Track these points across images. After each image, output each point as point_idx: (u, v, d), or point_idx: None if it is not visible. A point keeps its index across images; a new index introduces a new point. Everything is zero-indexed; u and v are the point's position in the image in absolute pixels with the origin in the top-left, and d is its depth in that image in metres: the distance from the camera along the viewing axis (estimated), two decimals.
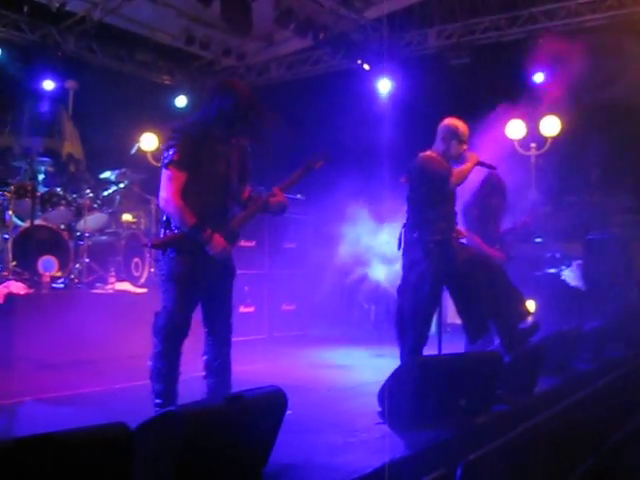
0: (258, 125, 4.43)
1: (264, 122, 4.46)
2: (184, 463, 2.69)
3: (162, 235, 4.38)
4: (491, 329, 6.86)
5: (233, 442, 2.94)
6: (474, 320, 6.10)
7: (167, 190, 4.23)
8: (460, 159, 5.96)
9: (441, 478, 3.06)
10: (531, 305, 8.45)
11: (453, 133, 5.95)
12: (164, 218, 4.41)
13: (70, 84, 11.79)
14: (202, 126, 4.35)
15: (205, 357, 4.46)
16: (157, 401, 4.26)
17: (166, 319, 4.24)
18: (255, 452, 3.12)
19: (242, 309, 9.17)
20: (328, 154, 4.76)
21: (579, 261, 9.27)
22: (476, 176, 6.60)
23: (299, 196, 10.50)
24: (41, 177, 8.41)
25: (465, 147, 5.96)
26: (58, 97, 11.52)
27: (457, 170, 5.85)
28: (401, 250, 5.96)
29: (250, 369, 6.84)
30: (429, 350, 5.90)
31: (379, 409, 4.59)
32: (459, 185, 5.89)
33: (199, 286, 4.30)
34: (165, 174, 4.26)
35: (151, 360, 4.29)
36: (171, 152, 4.24)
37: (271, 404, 3.17)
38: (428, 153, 5.92)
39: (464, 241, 6.32)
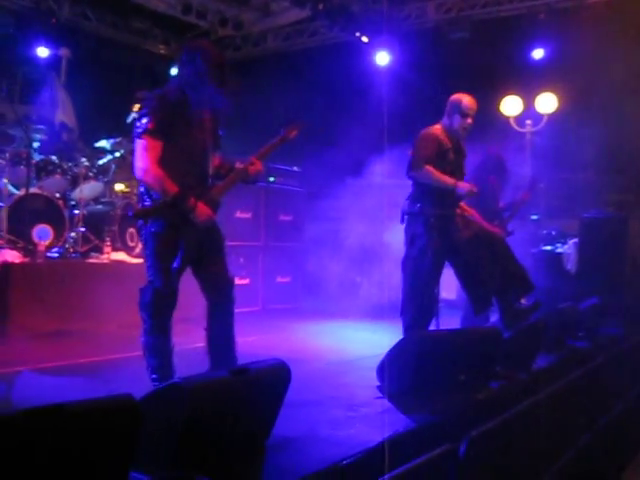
0: (226, 86, 4.29)
1: (229, 84, 4.32)
2: (189, 434, 2.67)
3: (142, 205, 4.26)
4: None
5: (237, 414, 2.92)
6: (479, 294, 6.09)
7: (144, 160, 4.10)
8: (466, 134, 5.93)
9: (446, 453, 3.06)
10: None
11: (456, 107, 5.92)
12: (142, 189, 4.27)
13: (63, 52, 11.63)
14: (175, 92, 4.24)
15: (206, 328, 4.41)
16: (153, 376, 4.21)
17: (152, 294, 4.17)
18: (258, 424, 3.11)
19: (237, 281, 9.08)
20: (302, 123, 4.69)
21: (575, 239, 9.26)
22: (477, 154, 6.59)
23: (295, 168, 10.46)
24: (36, 145, 8.33)
25: (469, 121, 5.91)
26: (51, 65, 11.38)
27: (432, 170, 5.72)
28: (403, 223, 5.95)
29: (245, 341, 6.78)
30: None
31: (378, 383, 4.59)
32: (424, 180, 5.78)
33: (185, 257, 4.20)
34: (140, 144, 4.13)
35: (142, 336, 4.24)
36: (145, 121, 4.12)
37: (275, 377, 3.15)
38: (430, 128, 5.90)
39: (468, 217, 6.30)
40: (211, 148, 4.37)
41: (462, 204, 6.14)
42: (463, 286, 6.16)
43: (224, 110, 4.43)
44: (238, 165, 4.53)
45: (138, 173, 4.17)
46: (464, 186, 5.78)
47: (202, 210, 4.14)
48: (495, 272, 6.09)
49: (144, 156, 4.11)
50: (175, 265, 4.16)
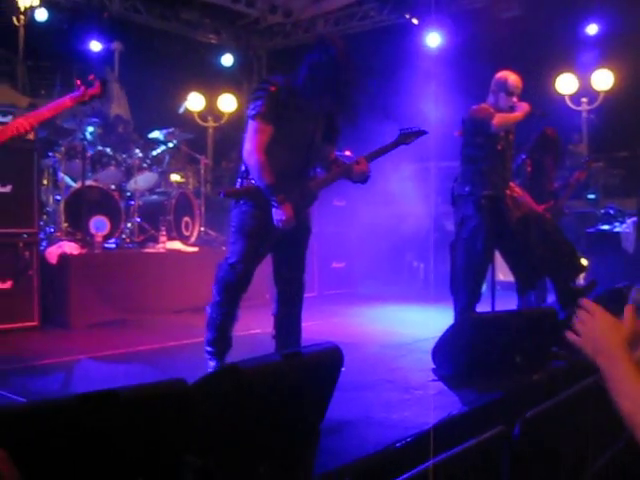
0: (347, 89, 4.23)
1: (353, 88, 4.27)
2: (243, 418, 2.69)
3: (238, 185, 4.32)
4: (543, 286, 6.80)
5: (291, 398, 2.93)
6: (526, 275, 6.05)
7: (252, 142, 4.15)
8: (511, 112, 5.86)
9: (499, 435, 3.03)
10: (584, 262, 8.33)
11: (502, 85, 5.86)
12: (242, 168, 4.32)
13: (116, 45, 11.79)
14: (295, 81, 4.23)
15: (274, 314, 4.46)
16: (207, 349, 4.31)
17: (227, 271, 4.23)
18: (312, 408, 3.12)
19: None
20: (421, 130, 4.72)
21: (634, 218, 9.07)
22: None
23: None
24: (90, 138, 8.46)
25: (515, 99, 5.84)
26: (104, 58, 11.54)
27: (501, 114, 5.73)
28: (453, 206, 5.92)
29: (304, 327, 6.85)
30: (482, 307, 5.85)
31: (433, 366, 4.57)
32: (503, 129, 5.76)
33: (267, 242, 4.27)
34: (251, 125, 4.18)
35: (209, 307, 4.33)
36: (258, 103, 4.16)
37: (328, 360, 3.15)
38: (479, 105, 5.85)
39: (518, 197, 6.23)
40: (320, 141, 4.38)
41: (512, 184, 6.08)
42: (511, 266, 6.12)
43: (346, 107, 4.37)
44: (342, 159, 4.58)
45: (244, 154, 4.24)
46: (524, 105, 5.77)
47: (285, 210, 4.13)
48: (545, 253, 6.02)
49: (253, 138, 4.16)
50: (259, 247, 4.24)
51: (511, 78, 5.85)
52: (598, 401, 3.98)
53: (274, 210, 4.14)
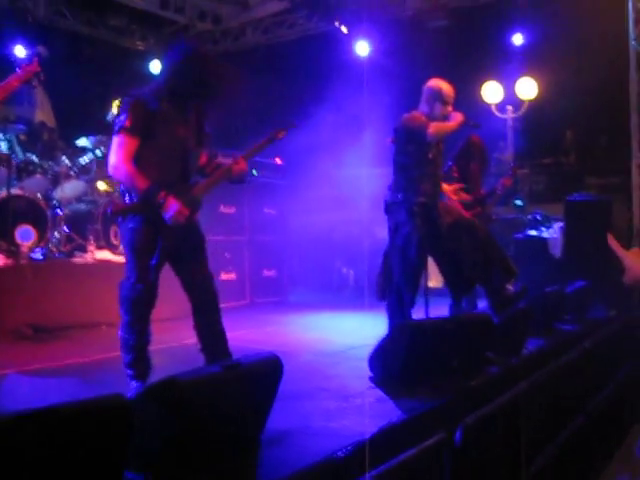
0: (214, 85, 4.25)
1: (221, 82, 4.29)
2: (183, 431, 2.64)
3: (127, 201, 4.21)
4: (473, 291, 6.90)
5: (231, 409, 2.89)
6: (458, 281, 6.13)
7: (116, 156, 4.08)
8: (446, 120, 5.92)
9: (441, 441, 3.05)
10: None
11: (437, 95, 5.91)
12: (122, 187, 4.26)
13: (40, 50, 11.52)
14: (157, 90, 4.21)
15: (194, 327, 4.37)
16: (128, 372, 4.19)
17: (129, 289, 4.14)
18: (253, 418, 3.07)
19: (223, 276, 9.12)
20: (291, 123, 4.71)
21: (560, 223, 9.27)
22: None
23: (278, 161, 10.42)
24: (15, 146, 8.25)
25: (450, 109, 5.92)
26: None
27: (436, 123, 5.79)
28: (386, 213, 5.96)
29: (234, 335, 6.75)
30: (415, 314, 5.90)
31: (370, 374, 4.57)
32: (437, 138, 5.83)
33: (162, 254, 4.16)
34: (115, 140, 4.12)
35: (119, 330, 4.23)
36: (122, 117, 4.10)
37: (268, 371, 3.12)
38: (413, 112, 5.90)
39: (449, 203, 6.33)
40: (195, 146, 4.34)
41: (446, 187, 6.17)
42: (443, 273, 6.20)
43: (210, 107, 4.41)
44: (221, 162, 4.51)
45: (110, 170, 4.18)
46: (457, 115, 5.84)
47: (171, 204, 4.05)
48: (477, 259, 6.10)
49: (117, 152, 4.09)
50: (153, 261, 4.12)
51: (445, 87, 5.91)
52: (532, 404, 4.05)
53: (161, 210, 4.05)
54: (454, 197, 6.53)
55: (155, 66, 13.20)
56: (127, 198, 4.19)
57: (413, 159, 5.85)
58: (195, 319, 4.37)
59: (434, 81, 5.98)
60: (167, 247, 4.18)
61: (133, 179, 4.06)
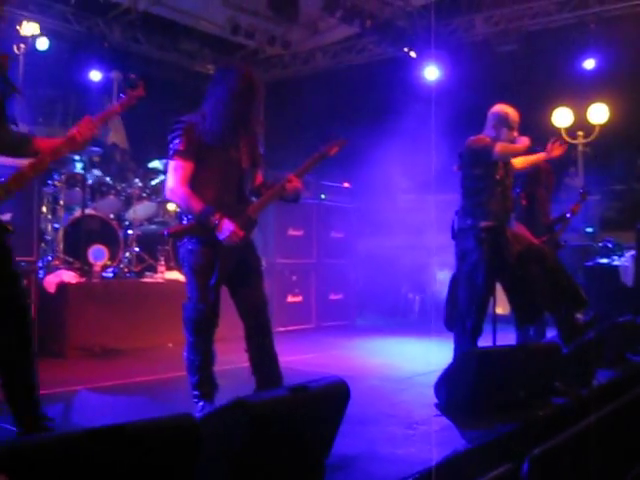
0: (254, 107, 4.26)
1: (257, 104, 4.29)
2: (250, 453, 2.65)
3: (185, 222, 4.25)
4: (542, 320, 6.78)
5: (297, 433, 2.90)
6: (525, 310, 6.03)
7: (172, 179, 4.15)
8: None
9: (508, 473, 3.00)
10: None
11: (503, 120, 5.87)
12: (179, 209, 4.34)
13: (115, 74, 11.83)
14: (206, 113, 4.23)
15: (246, 350, 4.35)
16: (194, 392, 4.23)
17: (192, 310, 4.19)
18: (318, 443, 3.08)
19: (290, 299, 9.17)
20: (343, 140, 4.66)
21: (632, 251, 9.08)
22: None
23: (346, 185, 10.46)
24: (89, 167, 8.45)
25: (516, 134, 5.87)
26: (103, 88, 11.57)
27: (503, 143, 5.75)
28: (454, 239, 5.91)
29: (301, 359, 6.82)
30: (482, 342, 5.83)
31: (435, 401, 4.53)
32: (504, 158, 5.79)
33: (220, 275, 4.18)
34: (170, 165, 4.19)
35: (184, 352, 4.27)
36: (176, 142, 4.15)
37: (334, 395, 3.12)
38: (479, 136, 5.87)
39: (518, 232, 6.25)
40: (248, 166, 4.37)
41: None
42: (510, 300, 6.09)
43: (257, 128, 4.44)
44: (279, 183, 4.50)
45: (167, 194, 4.27)
46: (524, 139, 5.78)
47: (226, 226, 4.09)
48: (545, 287, 6.00)
49: (173, 176, 4.16)
50: (212, 281, 4.15)
51: (511, 112, 5.87)
52: (602, 437, 3.95)
53: (216, 231, 4.08)
54: None
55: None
56: (184, 220, 4.25)
57: (481, 182, 5.79)
58: (247, 342, 4.36)
59: (500, 106, 5.95)
60: (224, 268, 4.20)
61: (188, 201, 4.12)
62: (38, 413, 3.61)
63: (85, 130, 3.58)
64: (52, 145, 3.53)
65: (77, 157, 8.28)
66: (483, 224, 5.71)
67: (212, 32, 12.72)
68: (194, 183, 4.17)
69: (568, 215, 7.46)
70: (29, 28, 10.13)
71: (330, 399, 3.10)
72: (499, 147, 5.66)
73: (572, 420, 4.03)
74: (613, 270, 9.12)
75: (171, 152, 4.18)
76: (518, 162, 5.98)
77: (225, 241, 4.11)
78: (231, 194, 4.26)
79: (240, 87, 4.18)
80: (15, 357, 3.57)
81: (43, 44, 10.45)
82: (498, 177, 5.80)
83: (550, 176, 7.37)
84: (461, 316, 5.79)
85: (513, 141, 5.85)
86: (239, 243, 4.18)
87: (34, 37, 10.45)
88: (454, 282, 6.00)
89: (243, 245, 4.24)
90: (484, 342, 5.85)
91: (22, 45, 10.36)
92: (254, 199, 4.47)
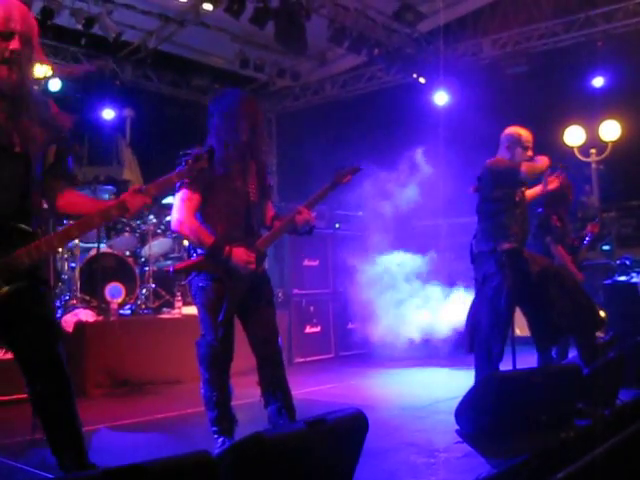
0: (254, 126, 4.25)
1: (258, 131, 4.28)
2: None
3: (194, 258, 4.22)
4: (566, 341, 6.72)
5: (316, 467, 2.87)
6: (544, 331, 5.98)
7: (180, 211, 4.12)
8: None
9: None
10: (603, 315, 8.27)
11: (517, 141, 5.87)
12: (188, 244, 4.30)
13: (128, 112, 11.96)
14: (213, 145, 4.13)
15: (259, 382, 4.30)
16: (213, 429, 4.20)
17: (205, 347, 4.17)
18: (338, 476, 3.05)
19: (308, 329, 9.14)
20: (355, 168, 4.65)
21: None
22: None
23: (360, 213, 10.46)
24: None
25: (530, 153, 5.86)
26: (116, 125, 11.69)
27: (528, 162, 5.75)
28: (473, 263, 5.88)
29: (320, 390, 6.79)
30: (502, 365, 5.78)
31: (457, 427, 4.49)
32: (530, 177, 5.80)
33: (228, 310, 4.15)
34: (177, 197, 4.15)
35: (202, 388, 4.25)
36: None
37: (353, 427, 3.09)
38: (496, 158, 5.86)
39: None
40: (258, 199, 4.33)
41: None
42: (529, 322, 6.03)
43: (265, 158, 4.42)
44: (289, 215, 4.44)
45: (174, 225, 4.22)
46: (544, 158, 5.81)
47: (238, 254, 4.07)
48: (564, 308, 5.95)
49: (180, 207, 4.13)
50: (220, 318, 4.12)
51: (523, 133, 5.88)
52: (627, 459, 3.90)
53: (229, 264, 4.06)
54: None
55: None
56: (194, 255, 4.23)
57: (500, 204, 5.77)
58: (259, 374, 4.31)
59: (512, 128, 5.96)
60: (232, 302, 4.17)
61: (198, 234, 4.09)
62: (83, 462, 3.56)
63: (137, 200, 3.40)
64: (101, 207, 3.41)
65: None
66: (505, 246, 5.68)
67: (222, 67, 12.84)
68: (202, 216, 4.17)
69: (588, 236, 7.41)
70: (41, 70, 10.25)
71: (348, 431, 3.06)
72: (525, 166, 5.67)
73: (596, 442, 3.97)
74: (632, 288, 9.03)
75: (178, 184, 4.14)
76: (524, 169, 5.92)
77: (240, 269, 4.08)
78: (239, 227, 4.23)
79: (234, 107, 4.19)
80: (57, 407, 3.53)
81: (55, 85, 10.56)
82: (517, 199, 5.80)
83: (570, 195, 7.34)
84: (485, 341, 5.73)
85: (530, 161, 5.85)
86: (250, 273, 4.15)
87: (46, 78, 10.58)
88: (473, 306, 5.96)
89: (253, 277, 4.22)
90: (504, 365, 5.81)
91: (35, 87, 10.49)
92: (265, 232, 4.45)
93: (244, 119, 4.20)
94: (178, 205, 4.15)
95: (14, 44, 3.10)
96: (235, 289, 4.16)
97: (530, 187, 6.14)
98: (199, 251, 4.18)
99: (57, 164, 3.37)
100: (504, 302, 5.58)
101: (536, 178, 6.00)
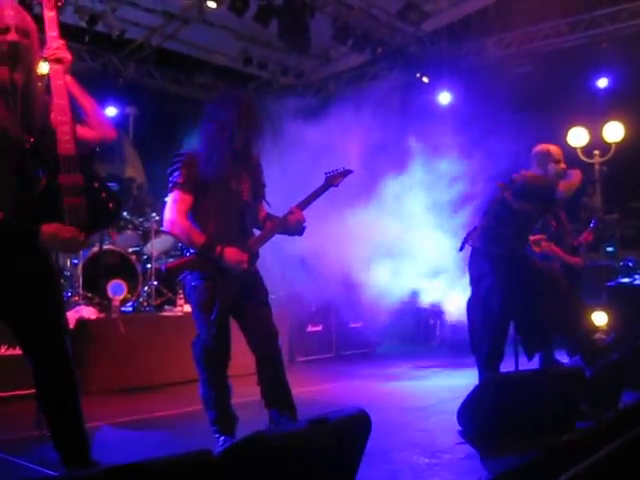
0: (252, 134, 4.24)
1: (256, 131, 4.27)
2: None
3: (187, 256, 4.22)
4: (547, 347, 6.69)
5: (318, 466, 2.86)
6: (533, 335, 5.96)
7: (171, 212, 4.11)
8: (564, 177, 5.89)
9: None
10: (603, 317, 8.27)
11: (547, 156, 5.95)
12: (181, 243, 4.30)
13: (130, 109, 11.96)
14: (205, 145, 4.21)
15: (258, 383, 4.29)
16: (213, 428, 4.20)
17: (200, 346, 4.17)
18: (340, 475, 3.04)
19: (310, 328, 9.12)
20: (347, 170, 4.67)
21: None
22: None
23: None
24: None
25: (563, 165, 5.90)
26: (119, 123, 11.68)
27: (564, 182, 5.81)
28: (467, 263, 5.88)
29: (322, 389, 6.78)
30: (505, 365, 5.77)
31: (459, 428, 4.48)
32: (566, 196, 5.87)
33: (221, 309, 4.14)
34: (170, 197, 4.15)
35: (200, 388, 4.25)
36: (175, 174, 4.14)
37: (355, 426, 3.08)
38: (532, 173, 5.87)
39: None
40: (251, 199, 4.32)
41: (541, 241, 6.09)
42: (517, 325, 5.98)
43: (256, 158, 4.39)
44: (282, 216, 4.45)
45: (165, 225, 4.23)
46: (577, 173, 5.89)
47: (230, 253, 4.07)
48: (563, 312, 5.93)
49: (172, 208, 4.13)
50: (212, 317, 4.11)
51: (552, 148, 6.00)
52: (630, 460, 3.88)
53: (221, 264, 4.06)
54: (536, 249, 6.41)
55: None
56: (187, 254, 4.22)
57: (513, 216, 5.74)
58: (258, 374, 4.30)
59: (540, 145, 6.06)
60: (224, 301, 4.15)
61: (189, 234, 4.09)
62: (87, 459, 3.56)
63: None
64: None
65: None
66: (500, 252, 5.68)
67: (225, 64, 12.82)
68: (194, 217, 4.16)
69: (582, 244, 7.43)
70: (44, 67, 10.23)
71: (351, 431, 3.06)
72: (562, 187, 5.76)
73: (599, 444, 3.96)
74: (636, 289, 9.00)
75: (170, 185, 4.16)
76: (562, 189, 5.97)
77: (232, 269, 4.08)
78: (232, 227, 4.23)
79: (237, 117, 4.14)
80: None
81: None
82: (533, 215, 5.85)
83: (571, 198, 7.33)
84: (479, 341, 5.74)
85: (560, 173, 5.88)
86: (244, 271, 4.15)
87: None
88: (469, 306, 5.94)
89: (244, 277, 4.21)
90: (506, 366, 5.80)
91: (38, 84, 10.48)
92: (257, 232, 4.44)
93: (240, 130, 4.16)
94: (170, 206, 4.15)
95: (11, 36, 3.14)
96: (227, 288, 4.15)
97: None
98: (192, 250, 4.18)
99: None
100: (497, 303, 5.58)
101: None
